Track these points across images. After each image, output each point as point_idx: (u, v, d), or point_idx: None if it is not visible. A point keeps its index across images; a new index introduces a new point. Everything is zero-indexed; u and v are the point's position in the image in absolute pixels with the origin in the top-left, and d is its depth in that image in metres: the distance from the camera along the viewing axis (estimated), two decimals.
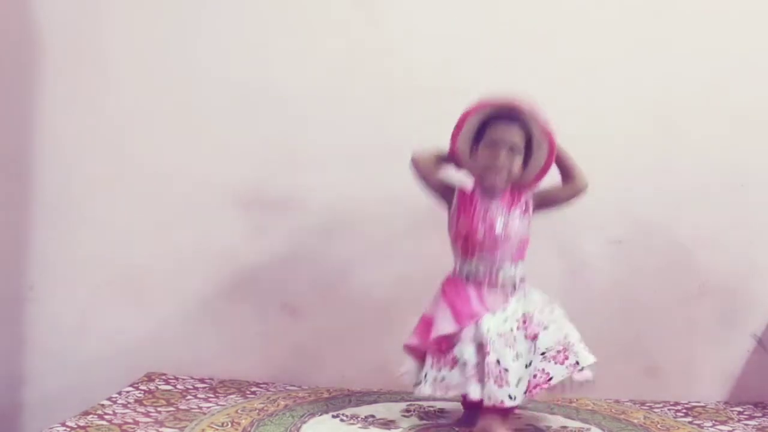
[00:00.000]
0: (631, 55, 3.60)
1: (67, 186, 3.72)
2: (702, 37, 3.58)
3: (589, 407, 3.33)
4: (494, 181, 2.90)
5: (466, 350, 2.81)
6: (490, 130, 2.91)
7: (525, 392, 2.77)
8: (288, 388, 3.51)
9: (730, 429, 3.17)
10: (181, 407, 3.15)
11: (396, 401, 3.29)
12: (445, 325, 2.86)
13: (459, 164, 3.02)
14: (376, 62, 3.65)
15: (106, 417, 2.94)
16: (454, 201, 3.01)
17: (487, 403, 2.74)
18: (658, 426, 3.14)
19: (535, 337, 2.83)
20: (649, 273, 3.60)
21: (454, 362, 2.82)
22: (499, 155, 2.87)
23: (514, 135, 2.89)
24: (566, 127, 3.60)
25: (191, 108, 3.70)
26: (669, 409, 3.39)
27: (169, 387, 3.43)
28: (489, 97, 2.96)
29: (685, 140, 3.60)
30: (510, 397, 2.73)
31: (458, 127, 3.00)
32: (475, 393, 2.77)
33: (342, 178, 3.66)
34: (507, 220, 2.93)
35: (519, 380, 2.75)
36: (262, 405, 3.21)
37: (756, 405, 3.47)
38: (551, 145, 2.96)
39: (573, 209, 3.58)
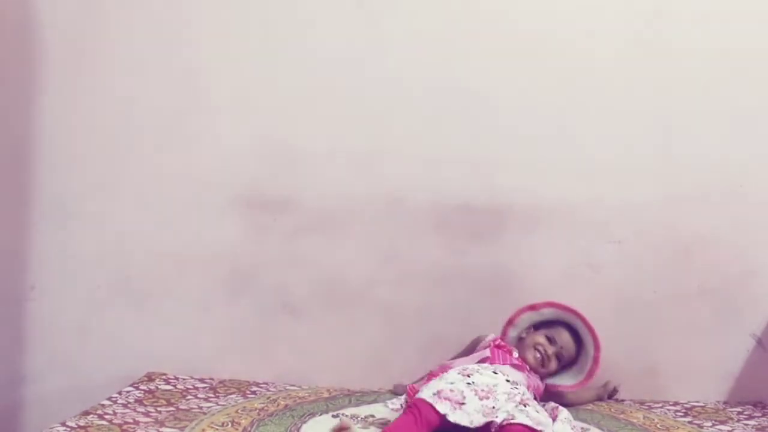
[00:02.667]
0: (631, 55, 3.60)
1: (67, 186, 3.72)
2: (702, 37, 3.58)
3: (589, 407, 3.33)
4: (536, 364, 3.24)
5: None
6: (554, 330, 3.31)
7: None
8: (288, 388, 3.51)
9: (730, 429, 3.17)
10: (181, 407, 3.16)
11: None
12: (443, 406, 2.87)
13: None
14: (376, 62, 3.65)
15: (106, 417, 2.94)
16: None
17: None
18: (658, 426, 3.14)
19: None
20: (649, 273, 3.60)
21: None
22: (550, 351, 3.27)
23: (569, 344, 3.31)
24: (566, 126, 3.63)
25: (191, 108, 3.70)
26: (668, 409, 3.40)
27: (169, 387, 3.43)
28: (559, 303, 3.32)
29: (685, 140, 3.60)
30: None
31: (513, 318, 3.38)
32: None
33: (342, 178, 3.66)
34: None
35: None
36: (262, 405, 3.21)
37: (755, 405, 3.47)
38: (592, 371, 3.29)
39: (573, 210, 3.61)
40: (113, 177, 3.72)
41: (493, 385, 2.89)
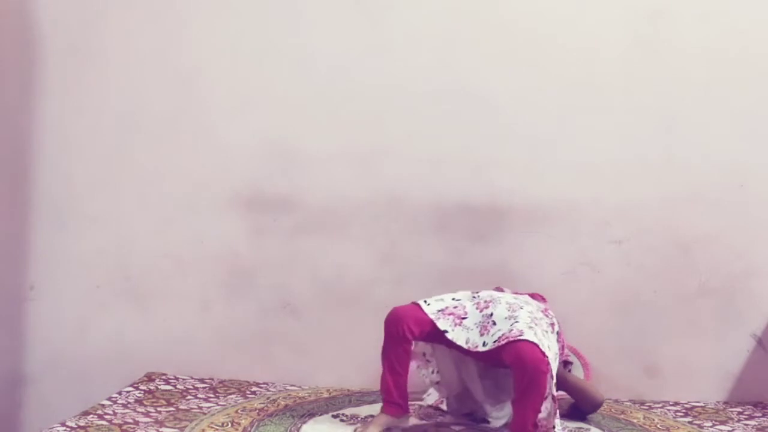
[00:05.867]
0: (631, 55, 3.60)
1: (67, 186, 3.73)
2: (702, 37, 3.58)
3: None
4: None
5: None
6: None
7: None
8: (288, 388, 3.51)
9: (730, 429, 3.17)
10: (181, 407, 3.16)
11: None
12: None
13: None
14: (376, 63, 3.65)
15: (106, 417, 2.95)
16: None
17: None
18: (658, 426, 3.14)
19: None
20: (649, 273, 3.60)
21: None
22: None
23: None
24: (566, 126, 3.63)
25: (191, 108, 3.70)
26: (668, 409, 3.40)
27: (169, 387, 3.43)
28: None
29: (685, 140, 3.60)
30: None
31: None
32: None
33: (342, 178, 3.66)
34: None
35: None
36: (262, 405, 3.21)
37: (756, 405, 3.47)
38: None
39: (573, 210, 3.61)
40: (113, 177, 3.72)
41: (498, 297, 2.93)
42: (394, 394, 2.89)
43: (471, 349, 2.83)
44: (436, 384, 3.17)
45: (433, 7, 3.65)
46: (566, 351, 3.13)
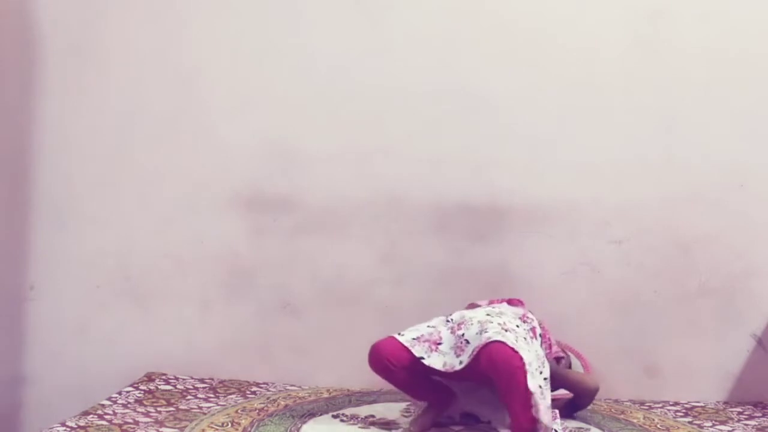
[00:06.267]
0: (631, 55, 3.60)
1: (67, 186, 3.73)
2: (702, 37, 3.58)
3: (589, 408, 3.33)
4: None
5: None
6: None
7: None
8: (288, 388, 3.51)
9: (730, 429, 3.17)
10: (181, 407, 3.16)
11: (396, 401, 3.29)
12: None
13: None
14: (376, 63, 3.65)
15: (106, 417, 2.95)
16: None
17: None
18: (658, 426, 3.14)
19: None
20: (649, 273, 3.60)
21: None
22: None
23: None
24: (566, 126, 3.63)
25: (191, 108, 3.70)
26: (668, 409, 3.40)
27: (169, 387, 3.43)
28: None
29: (685, 140, 3.60)
30: None
31: None
32: None
33: (342, 178, 3.66)
34: None
35: None
36: (262, 405, 3.21)
37: (756, 405, 3.47)
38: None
39: (573, 210, 3.61)
40: (113, 177, 3.72)
41: (469, 318, 2.93)
42: (431, 396, 2.97)
43: (449, 371, 2.84)
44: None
45: (433, 7, 3.65)
46: (555, 348, 3.14)
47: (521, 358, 2.70)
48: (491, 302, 3.16)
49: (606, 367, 3.38)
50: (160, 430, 2.85)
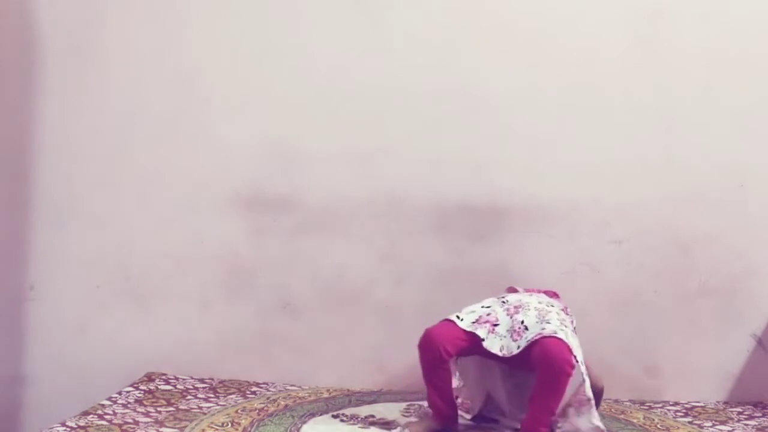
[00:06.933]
0: (631, 55, 3.60)
1: (67, 186, 3.72)
2: (702, 37, 3.58)
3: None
4: None
5: None
6: None
7: None
8: (288, 388, 3.51)
9: (730, 429, 3.17)
10: (181, 407, 3.16)
11: (396, 401, 3.29)
12: None
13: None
14: (376, 63, 3.65)
15: (106, 417, 2.95)
16: None
17: None
18: (658, 426, 3.14)
19: None
20: (649, 273, 3.60)
21: None
22: None
23: None
24: (566, 126, 3.63)
25: (191, 108, 3.70)
26: (668, 409, 3.40)
27: (169, 387, 3.43)
28: None
29: (685, 140, 3.60)
30: None
31: None
32: None
33: (342, 178, 3.66)
34: None
35: None
36: (262, 405, 3.21)
37: (756, 405, 3.47)
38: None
39: (573, 210, 3.61)
40: (113, 177, 3.72)
41: (526, 302, 2.95)
42: (443, 409, 2.95)
43: (506, 356, 2.85)
44: (461, 388, 3.15)
45: (433, 7, 3.65)
46: None
47: (573, 366, 2.73)
48: (528, 291, 3.16)
49: (606, 367, 3.37)
50: (160, 430, 2.85)
